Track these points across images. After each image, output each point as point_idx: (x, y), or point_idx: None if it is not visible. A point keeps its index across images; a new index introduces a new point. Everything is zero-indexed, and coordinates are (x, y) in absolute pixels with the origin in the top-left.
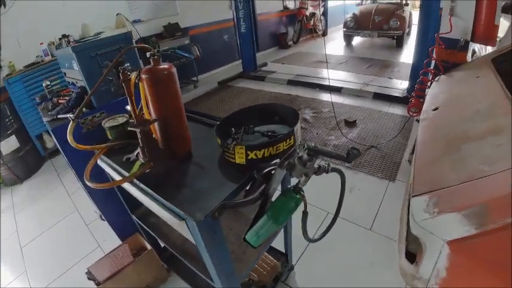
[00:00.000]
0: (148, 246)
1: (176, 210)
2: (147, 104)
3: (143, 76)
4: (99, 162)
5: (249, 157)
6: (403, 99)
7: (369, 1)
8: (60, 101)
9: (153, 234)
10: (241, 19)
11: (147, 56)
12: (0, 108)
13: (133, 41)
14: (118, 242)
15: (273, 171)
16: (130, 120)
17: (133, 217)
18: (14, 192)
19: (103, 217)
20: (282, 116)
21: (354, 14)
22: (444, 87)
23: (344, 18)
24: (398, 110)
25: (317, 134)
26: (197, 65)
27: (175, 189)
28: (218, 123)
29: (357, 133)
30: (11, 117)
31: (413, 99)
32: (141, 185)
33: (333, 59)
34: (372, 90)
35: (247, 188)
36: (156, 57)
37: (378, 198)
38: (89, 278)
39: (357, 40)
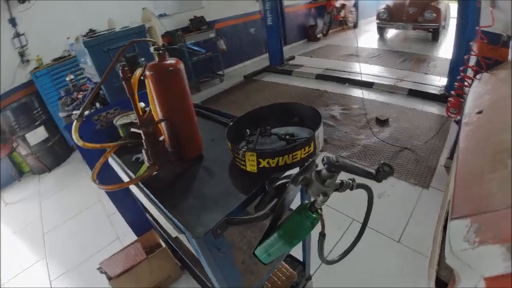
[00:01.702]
0: (163, 244)
1: (176, 222)
2: (154, 103)
3: (147, 72)
4: (110, 161)
5: (261, 165)
6: (440, 97)
7: None
8: (78, 96)
9: (165, 236)
10: (268, 11)
11: (151, 51)
12: (26, 101)
13: (159, 35)
14: (135, 236)
15: (287, 185)
16: (134, 121)
17: (147, 215)
18: (42, 180)
19: None
20: (303, 117)
21: (387, 5)
22: (488, 87)
23: (377, 10)
24: (434, 109)
25: (345, 132)
26: (223, 58)
27: (180, 196)
28: (230, 124)
29: (389, 133)
30: (39, 109)
31: (452, 98)
32: (145, 190)
33: (364, 52)
34: (407, 87)
35: (258, 200)
36: (161, 51)
37: (409, 206)
38: (101, 272)
39: (390, 33)
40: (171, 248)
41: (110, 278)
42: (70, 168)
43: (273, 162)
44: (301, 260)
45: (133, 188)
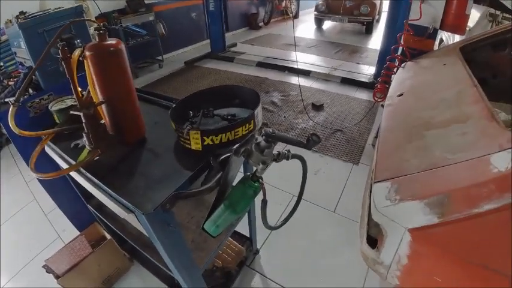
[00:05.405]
0: (108, 236)
1: (123, 201)
2: (93, 85)
3: (87, 53)
4: (46, 149)
5: (205, 143)
6: (369, 84)
7: None
8: (9, 83)
9: (110, 224)
10: None
11: (92, 32)
12: None
13: (93, 16)
14: (77, 232)
15: (230, 157)
16: (73, 103)
17: (89, 207)
18: None
19: None
20: (243, 98)
21: None
22: (410, 74)
23: (316, 2)
24: (364, 95)
25: (285, 117)
26: (162, 43)
27: (125, 178)
28: (174, 105)
29: (324, 117)
30: None
31: (379, 84)
32: (88, 174)
33: (302, 42)
34: (340, 75)
35: (204, 175)
36: (101, 32)
37: (342, 181)
38: (47, 271)
39: (327, 24)
40: (117, 239)
41: (57, 277)
42: None
43: (217, 139)
44: (248, 235)
45: (75, 175)
